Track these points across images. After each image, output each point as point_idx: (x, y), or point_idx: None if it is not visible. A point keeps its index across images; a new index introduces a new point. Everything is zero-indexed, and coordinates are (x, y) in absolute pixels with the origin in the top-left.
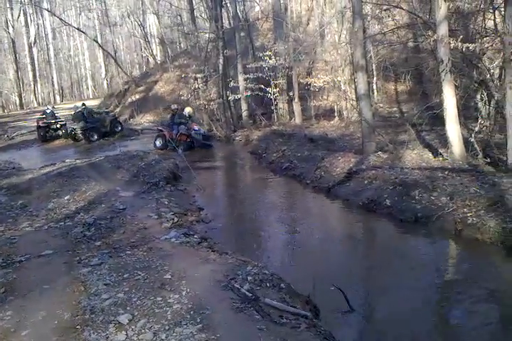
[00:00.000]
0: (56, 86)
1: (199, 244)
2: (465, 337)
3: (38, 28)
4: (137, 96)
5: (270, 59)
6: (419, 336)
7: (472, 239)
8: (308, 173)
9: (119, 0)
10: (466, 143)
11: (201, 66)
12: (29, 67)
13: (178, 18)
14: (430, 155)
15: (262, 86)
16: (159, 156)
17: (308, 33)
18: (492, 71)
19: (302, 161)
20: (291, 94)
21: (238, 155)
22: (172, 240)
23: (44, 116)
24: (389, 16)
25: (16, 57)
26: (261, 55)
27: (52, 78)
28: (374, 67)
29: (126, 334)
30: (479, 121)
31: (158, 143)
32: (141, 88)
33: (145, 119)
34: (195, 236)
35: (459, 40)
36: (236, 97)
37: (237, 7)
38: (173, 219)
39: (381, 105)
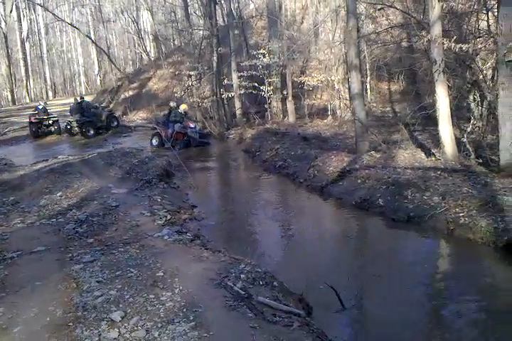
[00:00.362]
0: (49, 82)
1: (192, 242)
2: (456, 335)
3: (31, 23)
4: (130, 93)
5: (264, 57)
6: (411, 334)
7: (464, 238)
8: (301, 172)
9: None
10: (459, 143)
11: (195, 63)
12: (21, 63)
13: (172, 14)
14: (423, 155)
15: (256, 84)
16: (152, 154)
17: (302, 32)
18: (485, 72)
19: (295, 160)
20: (284, 92)
21: (231, 154)
22: (165, 238)
23: (36, 112)
24: (383, 16)
25: (8, 53)
26: (255, 53)
27: (45, 74)
28: (368, 67)
29: (119, 332)
30: (472, 121)
31: (154, 141)
32: (135, 85)
33: (138, 116)
34: (188, 234)
35: (453, 40)
36: (230, 95)
37: (232, 4)
38: (166, 217)
39: (374, 105)
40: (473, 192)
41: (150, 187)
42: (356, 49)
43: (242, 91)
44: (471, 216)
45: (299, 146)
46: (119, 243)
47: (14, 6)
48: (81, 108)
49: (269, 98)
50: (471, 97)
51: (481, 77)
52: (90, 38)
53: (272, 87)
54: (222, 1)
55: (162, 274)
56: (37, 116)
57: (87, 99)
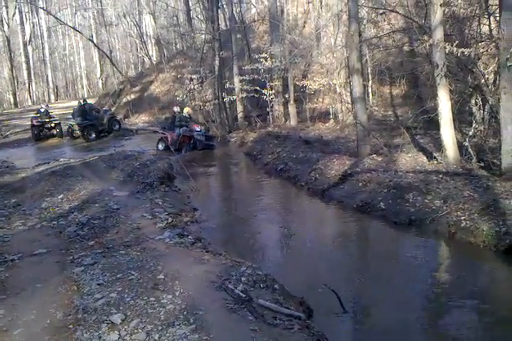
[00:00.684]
0: (51, 85)
1: (193, 245)
2: (457, 338)
3: (34, 26)
4: (132, 97)
5: (266, 61)
6: (412, 338)
7: (465, 242)
8: (302, 175)
9: (115, 0)
10: (461, 147)
11: (197, 67)
12: (24, 66)
13: (175, 18)
14: (424, 158)
15: (258, 88)
16: (154, 156)
17: (304, 36)
18: (487, 76)
19: (297, 163)
20: (286, 96)
21: (233, 157)
22: (166, 240)
23: (38, 114)
24: (385, 20)
25: (10, 56)
26: (257, 56)
27: (47, 77)
28: (369, 71)
29: (119, 334)
30: (473, 125)
31: (160, 146)
32: (137, 88)
33: (140, 119)
34: (189, 237)
35: (454, 44)
36: (232, 99)
37: (234, 9)
38: (168, 220)
39: (376, 108)
40: (475, 196)
41: (151, 190)
42: (358, 53)
43: (244, 95)
44: (472, 219)
45: (301, 150)
46: (120, 245)
47: (17, 10)
48: (83, 111)
49: (270, 101)
50: (473, 101)
51: (483, 81)
52: (93, 42)
53: (273, 91)
54: (225, 6)
55: (163, 277)
56: (39, 119)
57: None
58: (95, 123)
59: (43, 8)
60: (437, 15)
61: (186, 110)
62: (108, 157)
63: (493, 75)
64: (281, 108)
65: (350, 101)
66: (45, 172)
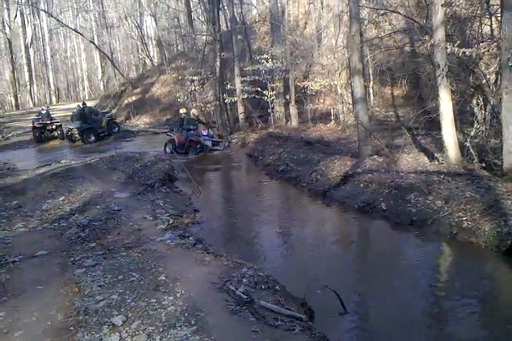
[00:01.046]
0: (52, 87)
1: (194, 246)
2: (458, 338)
3: (35, 28)
4: (134, 98)
5: (267, 62)
6: (414, 337)
7: (467, 242)
8: (304, 176)
9: (117, 1)
10: (462, 147)
11: (198, 68)
12: (25, 68)
13: (176, 20)
14: (426, 159)
15: (259, 89)
16: (155, 158)
17: (305, 37)
18: (488, 76)
19: (298, 164)
20: (287, 97)
21: (234, 158)
22: (167, 242)
23: (40, 116)
24: (386, 21)
25: (12, 58)
26: (258, 57)
27: (49, 79)
28: (371, 71)
29: (120, 336)
30: (475, 125)
31: (168, 149)
32: (138, 90)
33: (141, 121)
34: (190, 238)
35: (456, 45)
36: (233, 100)
37: (235, 10)
38: (169, 221)
39: (377, 109)
40: (477, 196)
41: (152, 192)
42: (359, 54)
43: (245, 96)
44: (474, 220)
45: (302, 150)
46: (121, 247)
47: (19, 12)
48: (83, 114)
49: (272, 102)
50: (475, 101)
51: (485, 81)
52: (94, 44)
53: (274, 92)
54: (226, 7)
55: (164, 278)
56: (40, 121)
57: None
58: (94, 126)
59: (44, 11)
60: (438, 15)
61: (192, 111)
62: (109, 159)
63: (494, 75)
64: (283, 109)
65: (351, 102)
66: (47, 174)
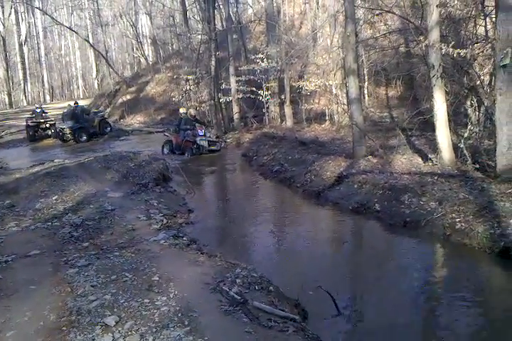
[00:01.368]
0: (46, 85)
1: (188, 246)
2: (452, 339)
3: (29, 26)
4: (128, 97)
5: (262, 62)
6: (408, 339)
7: (460, 244)
8: (298, 177)
9: (112, 0)
10: (456, 148)
11: (193, 67)
12: (19, 66)
13: (171, 19)
14: (420, 160)
15: (254, 88)
16: (149, 157)
17: (300, 37)
18: (482, 77)
19: (293, 164)
20: (282, 97)
21: (229, 158)
22: (161, 242)
23: (34, 115)
24: (381, 21)
25: (6, 56)
26: (253, 57)
27: (43, 77)
28: (365, 72)
29: (113, 336)
30: (469, 127)
31: (165, 150)
32: (132, 89)
33: (135, 120)
34: (184, 238)
35: (450, 45)
36: (228, 99)
37: (230, 9)
38: (162, 221)
39: (372, 110)
40: (470, 198)
41: (146, 191)
42: (354, 54)
43: (240, 96)
44: (467, 221)
45: (296, 151)
46: (115, 247)
47: (13, 10)
48: (74, 114)
49: (266, 102)
50: (469, 103)
51: (479, 82)
52: (88, 42)
53: (269, 92)
54: (221, 6)
55: (157, 279)
56: (34, 120)
57: (85, 102)
58: (86, 126)
59: (38, 8)
60: (433, 16)
61: (189, 112)
62: (103, 158)
63: (488, 76)
64: (277, 109)
65: (346, 103)
66: (40, 173)
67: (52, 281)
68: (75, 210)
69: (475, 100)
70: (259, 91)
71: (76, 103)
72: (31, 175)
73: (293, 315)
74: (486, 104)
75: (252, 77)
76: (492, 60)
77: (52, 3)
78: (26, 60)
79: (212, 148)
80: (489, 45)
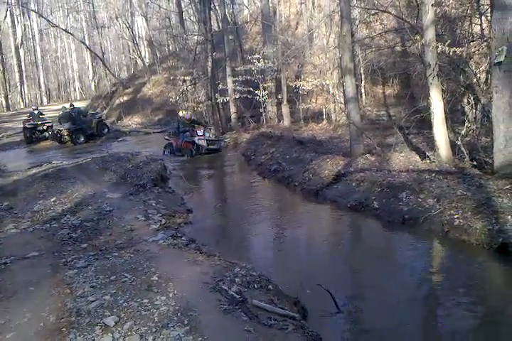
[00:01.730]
0: (43, 87)
1: (187, 246)
2: (450, 337)
3: (25, 29)
4: (125, 98)
5: (259, 62)
6: (406, 337)
7: (459, 240)
8: (296, 175)
9: (108, 2)
10: (453, 146)
11: (190, 68)
12: (16, 69)
13: (167, 20)
14: (417, 157)
15: (251, 89)
16: (147, 158)
17: (296, 37)
18: (478, 75)
19: (291, 163)
20: (279, 96)
21: (227, 158)
22: (159, 242)
23: (31, 117)
24: (377, 21)
25: (2, 58)
26: (250, 57)
27: (39, 80)
28: (362, 71)
29: (113, 337)
30: (466, 124)
31: (167, 152)
32: (129, 90)
33: (133, 121)
34: (182, 238)
35: (446, 44)
36: (225, 100)
37: (226, 10)
38: (161, 221)
39: (369, 108)
40: (468, 194)
41: (144, 192)
42: (350, 53)
43: (237, 96)
44: (465, 218)
45: (294, 150)
46: (114, 248)
47: (8, 12)
48: (71, 115)
49: (264, 102)
50: (465, 100)
51: (475, 80)
52: (85, 44)
53: (266, 92)
54: (217, 7)
55: (157, 278)
56: (31, 122)
57: (82, 104)
58: (83, 128)
59: (34, 11)
60: (429, 15)
61: (183, 113)
62: (101, 159)
63: (484, 74)
64: (275, 109)
65: (343, 102)
66: (38, 175)
67: (51, 283)
68: (73, 212)
69: (471, 98)
70: (256, 92)
71: (71, 105)
72: (29, 177)
73: (292, 313)
74: (482, 101)
75: (248, 77)
76: (488, 58)
77: (48, 6)
78: (23, 63)
79: (212, 147)
80: (485, 43)
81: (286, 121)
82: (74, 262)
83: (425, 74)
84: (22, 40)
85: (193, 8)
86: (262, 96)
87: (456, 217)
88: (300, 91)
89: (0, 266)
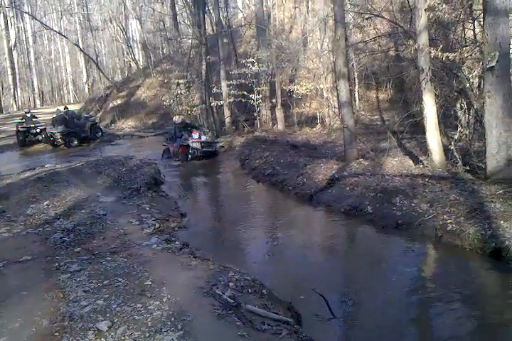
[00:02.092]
0: (36, 90)
1: (180, 250)
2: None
3: (19, 31)
4: (119, 102)
5: (253, 65)
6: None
7: (452, 245)
8: (290, 180)
9: (102, 4)
10: (446, 150)
11: (184, 72)
12: (9, 71)
13: (161, 23)
14: (411, 162)
15: (245, 92)
16: (141, 162)
17: (290, 41)
18: (471, 80)
19: (285, 168)
20: (274, 100)
21: (221, 161)
22: (153, 246)
23: (24, 120)
24: (370, 25)
25: None
26: (244, 61)
27: (33, 82)
28: (356, 75)
29: None
30: (459, 129)
31: (164, 157)
32: (123, 93)
33: (126, 124)
34: (176, 243)
35: (439, 49)
36: (219, 103)
37: (221, 13)
38: (155, 225)
39: (363, 113)
40: (461, 199)
41: (138, 196)
42: (344, 58)
43: (231, 100)
44: (458, 223)
45: (288, 154)
46: (107, 252)
47: (2, 15)
48: (65, 118)
49: (258, 106)
50: (458, 105)
51: (468, 85)
52: (78, 47)
53: (261, 96)
54: (211, 10)
55: (150, 283)
56: (24, 125)
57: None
58: (77, 131)
59: (28, 13)
60: (422, 20)
61: (177, 118)
62: (94, 162)
63: (477, 79)
64: (269, 112)
65: (337, 106)
66: (31, 179)
67: (44, 287)
68: (66, 215)
69: (464, 103)
70: (250, 95)
71: (66, 108)
72: (22, 180)
73: (286, 318)
74: (475, 106)
75: (243, 81)
76: (481, 63)
77: (41, 8)
78: (16, 65)
79: (207, 149)
80: (477, 48)
81: (280, 125)
82: (67, 266)
83: (418, 78)
84: (15, 43)
85: (187, 11)
86: (256, 100)
87: (449, 221)
88: (294, 96)
89: None
